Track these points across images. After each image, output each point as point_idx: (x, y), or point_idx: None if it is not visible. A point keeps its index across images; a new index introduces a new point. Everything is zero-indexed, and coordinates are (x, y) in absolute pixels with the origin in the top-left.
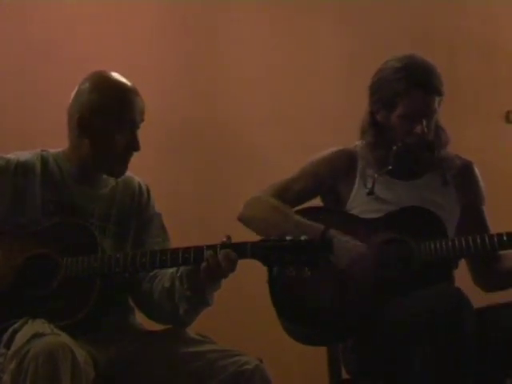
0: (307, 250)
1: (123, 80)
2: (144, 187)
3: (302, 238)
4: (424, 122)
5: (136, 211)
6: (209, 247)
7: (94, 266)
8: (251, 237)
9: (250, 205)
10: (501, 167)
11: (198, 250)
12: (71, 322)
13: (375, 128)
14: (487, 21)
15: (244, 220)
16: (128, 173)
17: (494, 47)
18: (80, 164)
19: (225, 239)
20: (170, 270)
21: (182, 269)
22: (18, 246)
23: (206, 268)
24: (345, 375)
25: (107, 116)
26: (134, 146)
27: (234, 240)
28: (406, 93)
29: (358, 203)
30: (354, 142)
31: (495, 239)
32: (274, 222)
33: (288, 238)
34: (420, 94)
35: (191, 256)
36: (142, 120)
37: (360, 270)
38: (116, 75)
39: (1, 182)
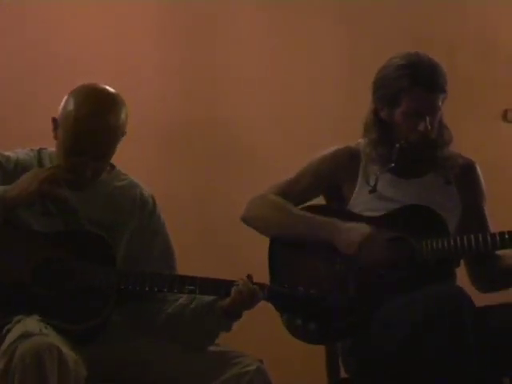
0: (317, 305)
1: (95, 106)
2: (148, 198)
3: (313, 291)
4: (427, 120)
5: (135, 220)
6: (224, 281)
7: (111, 279)
8: (251, 240)
9: (252, 204)
10: (499, 166)
11: (216, 284)
12: (80, 329)
13: (379, 125)
14: (486, 20)
15: (247, 220)
16: (133, 179)
17: (492, 46)
18: None
19: (246, 278)
20: (180, 300)
21: (197, 303)
22: (30, 244)
23: (237, 293)
24: (343, 374)
25: (64, 135)
26: (77, 172)
27: (234, 241)
28: (410, 90)
29: (361, 201)
30: (355, 141)
31: (497, 238)
32: (276, 220)
33: (300, 288)
34: (423, 92)
35: (222, 288)
36: (99, 154)
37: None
38: (95, 99)
39: (3, 180)
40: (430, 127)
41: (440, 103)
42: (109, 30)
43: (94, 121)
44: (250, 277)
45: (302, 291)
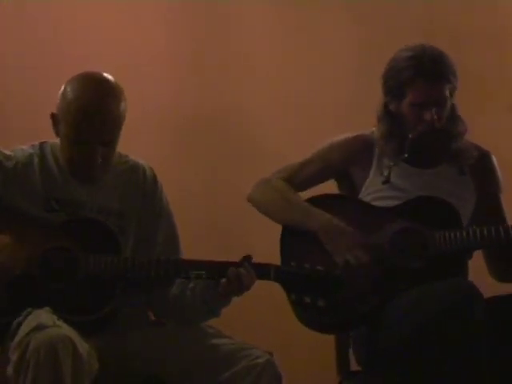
0: (324, 281)
1: (96, 91)
2: (149, 175)
3: (320, 268)
4: (433, 110)
5: (140, 202)
6: (231, 264)
7: (118, 268)
8: (260, 230)
9: (258, 187)
10: (509, 159)
11: (222, 267)
12: (90, 319)
13: (389, 118)
14: (495, 10)
15: (251, 201)
16: (133, 159)
17: (501, 37)
18: None
19: (247, 257)
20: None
21: (194, 281)
22: (33, 237)
23: (226, 284)
24: (353, 367)
25: (68, 127)
26: (88, 161)
27: (241, 228)
28: (413, 81)
29: (373, 189)
30: (365, 131)
31: (511, 230)
32: (277, 207)
33: (306, 266)
34: (426, 82)
35: (216, 272)
36: (107, 139)
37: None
38: (94, 84)
39: (4, 179)
40: (436, 117)
41: (446, 93)
42: (120, 23)
43: (98, 103)
44: (248, 257)
45: (308, 268)
